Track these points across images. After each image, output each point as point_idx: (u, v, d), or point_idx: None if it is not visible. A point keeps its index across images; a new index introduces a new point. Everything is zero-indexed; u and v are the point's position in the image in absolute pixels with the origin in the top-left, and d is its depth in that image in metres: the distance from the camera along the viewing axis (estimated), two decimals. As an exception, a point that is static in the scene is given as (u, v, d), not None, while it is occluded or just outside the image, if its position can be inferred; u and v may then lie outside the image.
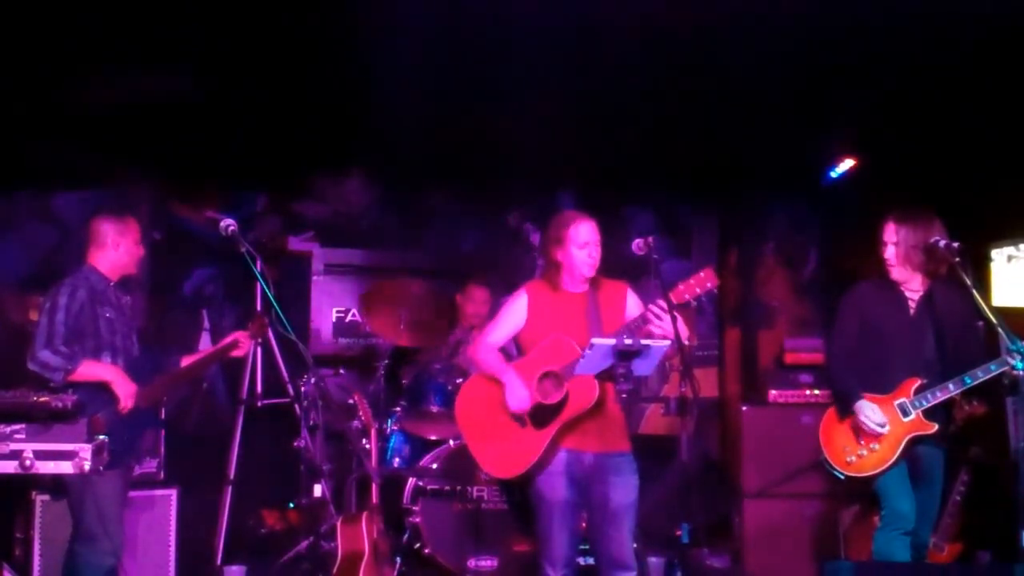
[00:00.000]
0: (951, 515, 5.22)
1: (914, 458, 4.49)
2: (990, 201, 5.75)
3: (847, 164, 6.68)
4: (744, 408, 6.23)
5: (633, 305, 4.39)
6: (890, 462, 4.43)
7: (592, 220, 4.37)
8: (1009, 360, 4.18)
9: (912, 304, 4.58)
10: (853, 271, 4.83)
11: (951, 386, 4.39)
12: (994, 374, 4.29)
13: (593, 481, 4.28)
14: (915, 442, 4.45)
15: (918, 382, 4.45)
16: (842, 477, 4.53)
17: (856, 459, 4.48)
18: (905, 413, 4.44)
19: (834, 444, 4.55)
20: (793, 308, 7.42)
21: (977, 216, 5.61)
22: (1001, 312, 4.30)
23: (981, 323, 5.11)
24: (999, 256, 5.81)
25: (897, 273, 4.57)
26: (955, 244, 4.31)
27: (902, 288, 4.59)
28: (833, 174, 6.78)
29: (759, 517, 5.94)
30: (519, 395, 4.26)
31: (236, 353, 4.76)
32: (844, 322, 4.69)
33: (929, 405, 4.42)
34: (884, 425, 4.42)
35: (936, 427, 4.44)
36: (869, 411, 4.45)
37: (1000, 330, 4.17)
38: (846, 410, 4.53)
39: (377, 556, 4.99)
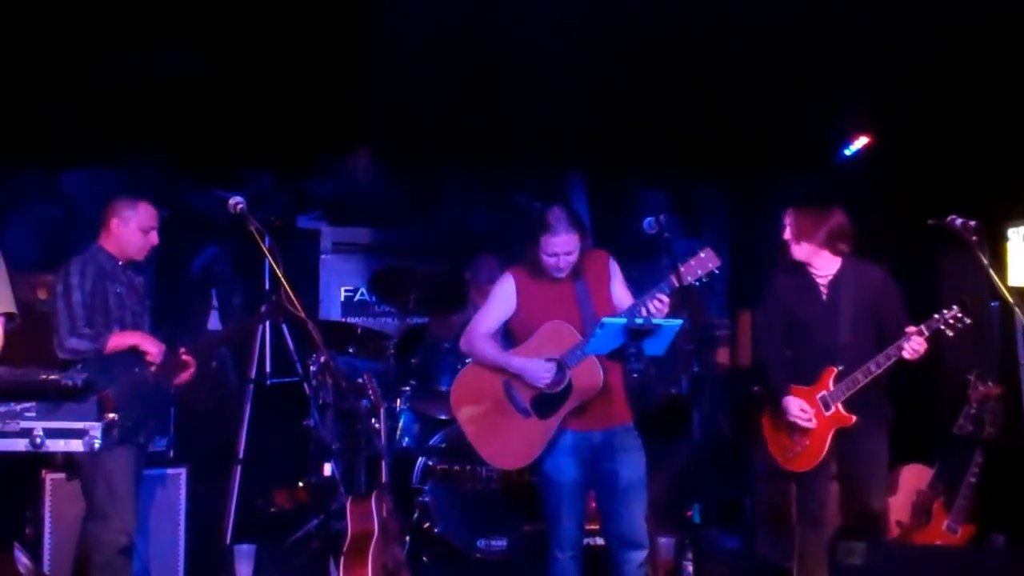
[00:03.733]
0: (965, 497, 5.16)
1: (841, 453, 4.38)
2: (1006, 180, 5.69)
3: (861, 142, 6.62)
4: (756, 388, 6.19)
5: (616, 272, 4.29)
6: (821, 458, 4.34)
7: (570, 233, 4.11)
8: (902, 344, 4.13)
9: (823, 288, 4.46)
10: (866, 250, 4.76)
11: (860, 376, 4.26)
12: (894, 360, 4.20)
13: (600, 458, 4.20)
14: (842, 435, 4.33)
15: (835, 371, 4.34)
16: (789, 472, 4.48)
17: (793, 456, 4.42)
18: (826, 407, 4.35)
19: (774, 441, 4.51)
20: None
21: (993, 195, 5.56)
22: (1018, 292, 4.24)
23: (996, 303, 5.06)
24: (1015, 235, 5.74)
25: (797, 252, 4.46)
26: (971, 223, 4.22)
27: (811, 271, 4.48)
28: (847, 152, 6.71)
29: (771, 498, 5.92)
30: (538, 370, 4.13)
31: (181, 379, 4.52)
32: (766, 314, 4.59)
33: (845, 397, 4.30)
34: (809, 415, 4.32)
35: (855, 419, 4.31)
36: (794, 407, 4.36)
37: (1016, 310, 4.12)
38: (776, 407, 4.44)
39: (387, 535, 4.97)
